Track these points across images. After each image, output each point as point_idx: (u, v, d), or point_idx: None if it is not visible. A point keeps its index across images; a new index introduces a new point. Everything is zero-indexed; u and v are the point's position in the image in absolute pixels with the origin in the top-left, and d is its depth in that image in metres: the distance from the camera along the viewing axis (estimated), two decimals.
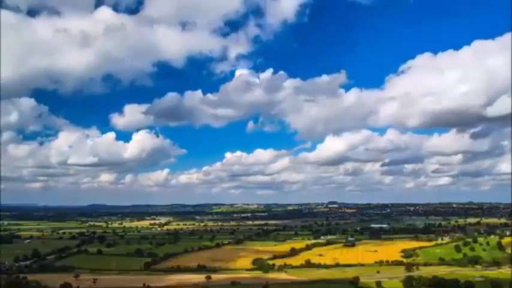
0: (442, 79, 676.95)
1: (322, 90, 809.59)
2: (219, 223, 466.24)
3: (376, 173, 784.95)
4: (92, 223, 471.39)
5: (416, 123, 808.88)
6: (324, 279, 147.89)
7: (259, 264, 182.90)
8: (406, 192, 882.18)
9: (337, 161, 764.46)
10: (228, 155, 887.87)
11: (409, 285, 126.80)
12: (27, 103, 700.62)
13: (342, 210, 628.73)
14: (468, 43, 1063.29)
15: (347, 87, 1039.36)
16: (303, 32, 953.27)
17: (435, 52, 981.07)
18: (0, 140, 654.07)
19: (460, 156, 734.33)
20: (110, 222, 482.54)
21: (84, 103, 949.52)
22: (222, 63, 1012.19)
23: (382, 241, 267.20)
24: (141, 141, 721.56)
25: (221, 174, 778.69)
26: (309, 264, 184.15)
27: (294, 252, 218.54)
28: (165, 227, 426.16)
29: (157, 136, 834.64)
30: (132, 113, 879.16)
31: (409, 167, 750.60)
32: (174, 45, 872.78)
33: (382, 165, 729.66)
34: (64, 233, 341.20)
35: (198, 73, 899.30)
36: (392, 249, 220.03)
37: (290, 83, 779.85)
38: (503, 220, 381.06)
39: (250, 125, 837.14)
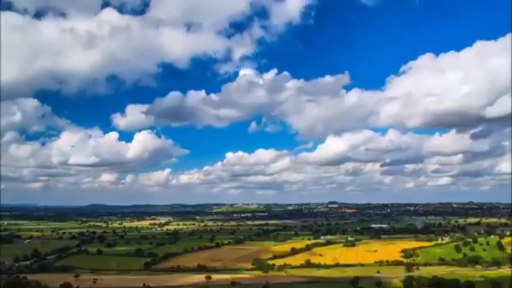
0: (444, 80, 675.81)
1: (324, 91, 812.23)
2: (219, 223, 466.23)
3: (376, 173, 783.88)
4: (92, 223, 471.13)
5: (417, 124, 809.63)
6: (324, 279, 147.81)
7: (259, 264, 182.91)
8: (406, 192, 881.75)
9: (337, 161, 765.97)
10: (229, 155, 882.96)
11: (409, 285, 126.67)
12: (31, 104, 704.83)
13: (342, 210, 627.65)
14: (470, 44, 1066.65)
15: (348, 88, 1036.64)
16: (307, 34, 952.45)
17: (437, 53, 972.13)
18: (0, 140, 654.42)
19: (460, 157, 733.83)
20: (110, 222, 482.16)
21: (88, 103, 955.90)
22: (226, 64, 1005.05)
23: (382, 241, 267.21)
24: (143, 142, 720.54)
25: (222, 174, 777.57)
26: (309, 264, 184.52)
27: (294, 252, 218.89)
28: (165, 227, 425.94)
29: (159, 136, 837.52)
30: (135, 113, 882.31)
31: (409, 167, 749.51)
32: (178, 46, 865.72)
33: (383, 165, 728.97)
34: (64, 233, 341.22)
35: (202, 74, 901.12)
36: (392, 249, 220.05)
37: (293, 84, 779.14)
38: (503, 220, 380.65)
39: (253, 125, 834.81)
